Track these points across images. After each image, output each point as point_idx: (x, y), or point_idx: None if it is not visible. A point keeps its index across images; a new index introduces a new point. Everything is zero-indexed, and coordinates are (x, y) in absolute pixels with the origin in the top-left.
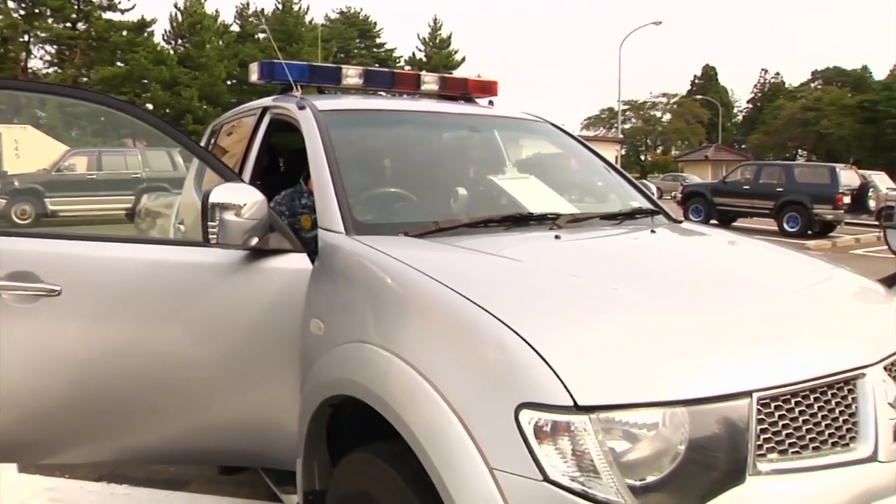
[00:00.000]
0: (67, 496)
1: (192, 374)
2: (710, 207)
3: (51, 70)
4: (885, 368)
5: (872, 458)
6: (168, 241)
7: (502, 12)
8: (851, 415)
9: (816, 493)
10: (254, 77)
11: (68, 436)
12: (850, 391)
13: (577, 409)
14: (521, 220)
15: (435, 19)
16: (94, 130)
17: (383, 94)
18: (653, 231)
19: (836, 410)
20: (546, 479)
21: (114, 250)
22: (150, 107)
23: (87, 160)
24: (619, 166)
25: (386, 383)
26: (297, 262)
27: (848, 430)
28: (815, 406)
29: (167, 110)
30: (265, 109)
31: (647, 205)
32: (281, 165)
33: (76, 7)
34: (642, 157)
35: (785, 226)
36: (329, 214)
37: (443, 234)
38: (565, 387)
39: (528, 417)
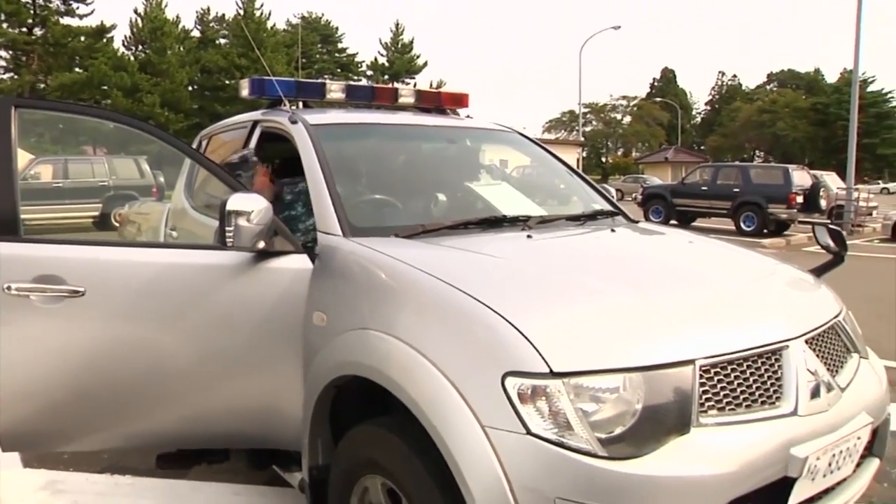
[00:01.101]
0: (73, 488)
1: (205, 366)
2: (670, 208)
3: (6, 76)
4: (806, 342)
5: (793, 413)
6: (183, 245)
7: (463, 17)
8: (777, 379)
9: (748, 441)
10: (244, 92)
11: (88, 425)
12: (776, 360)
13: (553, 374)
14: (496, 223)
15: (397, 24)
16: (53, 138)
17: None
18: (613, 230)
19: (765, 375)
20: (529, 432)
21: (133, 254)
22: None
23: (53, 168)
24: (580, 169)
25: (389, 362)
26: (299, 262)
27: (774, 391)
28: (748, 372)
29: None
30: (255, 123)
31: (607, 207)
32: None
33: (32, 12)
34: (603, 160)
35: (742, 225)
36: (327, 219)
37: (428, 235)
38: (542, 357)
39: (512, 383)
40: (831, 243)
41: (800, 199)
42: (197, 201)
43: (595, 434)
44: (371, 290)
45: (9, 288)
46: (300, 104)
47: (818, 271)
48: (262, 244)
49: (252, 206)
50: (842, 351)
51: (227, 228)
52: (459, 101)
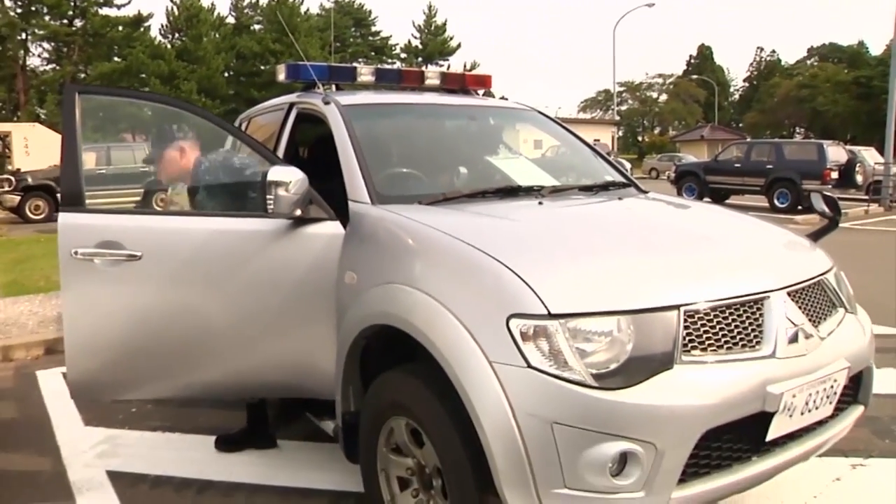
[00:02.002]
0: (129, 442)
1: (248, 323)
2: (703, 186)
3: (49, 67)
4: (788, 294)
5: (772, 356)
6: (228, 214)
7: None
8: (759, 325)
9: (727, 377)
10: (281, 77)
11: (145, 376)
12: (758, 308)
13: (551, 316)
14: (511, 192)
15: (430, 6)
16: (94, 126)
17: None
18: (620, 199)
19: (747, 321)
20: (529, 366)
21: (184, 222)
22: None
23: (96, 155)
24: (616, 148)
25: (412, 310)
26: (332, 227)
27: (755, 335)
28: (730, 317)
29: None
30: (292, 105)
31: (619, 179)
32: (302, 153)
33: (72, 4)
34: (639, 139)
35: (775, 202)
36: (357, 189)
37: (449, 202)
38: (541, 300)
39: (515, 324)
40: (826, 209)
41: (835, 175)
42: None
43: (589, 369)
44: (395, 249)
45: (76, 253)
46: (333, 87)
47: (815, 236)
48: (298, 212)
49: (290, 176)
50: (826, 305)
51: (268, 197)
52: (483, 82)
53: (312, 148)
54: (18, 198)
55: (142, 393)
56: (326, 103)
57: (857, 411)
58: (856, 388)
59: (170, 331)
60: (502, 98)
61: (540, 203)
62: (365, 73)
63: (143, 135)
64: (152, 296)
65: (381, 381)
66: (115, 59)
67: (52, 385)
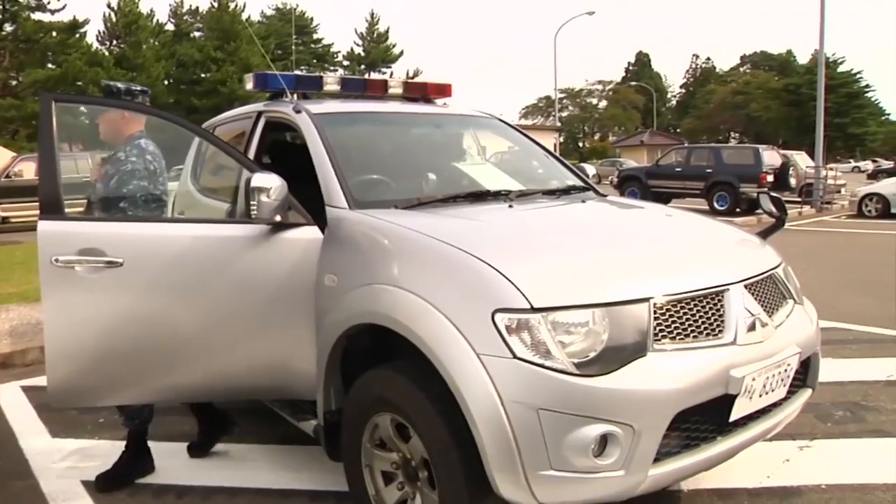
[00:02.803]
0: (100, 453)
1: (230, 326)
2: (645, 189)
3: None
4: (745, 287)
5: (733, 343)
6: (209, 220)
7: (438, 4)
8: (720, 315)
9: (694, 363)
10: (249, 86)
11: (129, 381)
12: (719, 300)
13: (533, 310)
14: (481, 196)
15: (372, 14)
16: (28, 135)
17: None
18: (583, 202)
19: (710, 312)
20: (515, 356)
21: (166, 229)
22: (83, 109)
23: (35, 165)
24: (558, 153)
25: (398, 308)
26: (311, 232)
27: (717, 325)
28: (695, 309)
29: None
30: (260, 113)
31: (579, 183)
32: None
33: (2, 7)
34: (580, 144)
35: (715, 205)
36: (334, 195)
37: (423, 206)
38: (524, 296)
39: (500, 318)
40: (773, 209)
41: (770, 179)
42: (203, 186)
43: (570, 359)
44: (377, 251)
45: (56, 260)
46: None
47: (763, 234)
48: (278, 217)
49: (271, 183)
50: (778, 296)
51: (251, 203)
52: (443, 90)
53: (275, 155)
54: None
55: (124, 398)
56: (297, 112)
57: (806, 394)
58: (805, 373)
59: (152, 336)
60: (443, 104)
61: (510, 206)
62: (331, 81)
63: (80, 144)
64: (133, 301)
65: (366, 379)
66: (50, 65)
67: (11, 398)
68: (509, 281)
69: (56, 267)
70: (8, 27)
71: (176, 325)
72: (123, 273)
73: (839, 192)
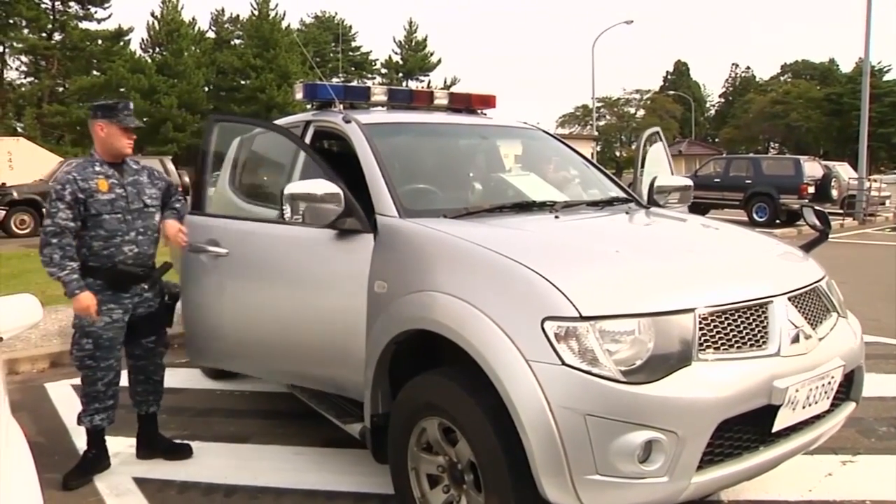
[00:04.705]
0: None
1: (296, 318)
2: None
3: (26, 80)
4: (788, 299)
5: (776, 354)
6: (282, 222)
7: (476, 13)
8: (764, 327)
9: (738, 373)
10: (298, 96)
11: (232, 353)
12: (763, 312)
13: (582, 318)
14: (526, 206)
15: (410, 22)
16: (72, 140)
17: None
18: (627, 213)
19: (754, 323)
20: (563, 363)
21: (254, 227)
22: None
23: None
24: (594, 162)
25: (449, 315)
26: (366, 239)
27: (761, 336)
28: (739, 320)
29: (146, 119)
30: (308, 122)
31: (622, 195)
32: None
33: (51, 17)
34: (617, 154)
35: (754, 216)
36: (384, 203)
37: (471, 216)
38: (573, 304)
39: (550, 326)
40: (817, 222)
41: (811, 190)
42: (242, 192)
43: (617, 366)
44: (428, 259)
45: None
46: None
47: (806, 247)
48: (337, 222)
49: (330, 190)
50: (822, 309)
51: (319, 206)
52: (487, 101)
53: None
54: (3, 212)
55: (233, 367)
56: (347, 122)
57: (849, 407)
58: (848, 386)
59: (248, 319)
60: (483, 114)
61: (556, 216)
62: (378, 92)
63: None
64: (236, 287)
65: (415, 384)
66: (95, 73)
67: (63, 396)
68: (558, 290)
69: (188, 252)
70: (57, 36)
71: (261, 310)
72: (229, 262)
73: (883, 203)
